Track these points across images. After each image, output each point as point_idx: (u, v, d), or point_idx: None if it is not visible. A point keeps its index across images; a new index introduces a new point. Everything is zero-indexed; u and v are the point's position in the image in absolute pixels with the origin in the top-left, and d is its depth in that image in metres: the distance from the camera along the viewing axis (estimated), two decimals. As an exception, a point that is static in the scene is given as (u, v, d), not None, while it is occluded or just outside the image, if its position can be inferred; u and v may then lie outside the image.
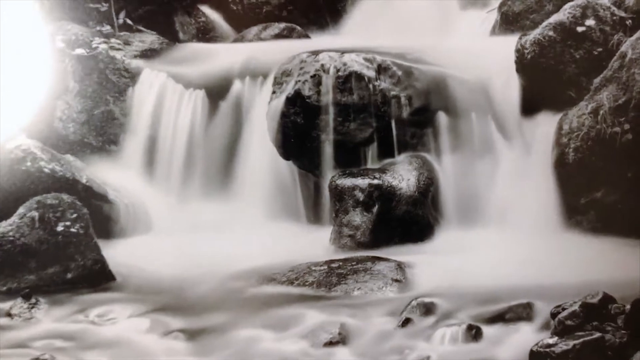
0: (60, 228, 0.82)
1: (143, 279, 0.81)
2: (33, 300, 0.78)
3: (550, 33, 0.80)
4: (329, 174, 0.87)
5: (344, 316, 0.71)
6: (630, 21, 0.79)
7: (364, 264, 0.79)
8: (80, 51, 0.96)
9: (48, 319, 0.74)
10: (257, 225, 0.88)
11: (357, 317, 0.71)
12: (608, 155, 0.75)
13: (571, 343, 0.61)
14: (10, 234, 0.82)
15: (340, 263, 0.80)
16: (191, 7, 1.04)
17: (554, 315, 0.65)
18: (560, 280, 0.72)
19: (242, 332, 0.69)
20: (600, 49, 0.78)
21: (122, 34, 1.01)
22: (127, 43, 0.99)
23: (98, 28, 0.99)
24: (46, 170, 0.90)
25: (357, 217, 0.84)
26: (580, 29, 0.80)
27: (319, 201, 0.88)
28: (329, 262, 0.80)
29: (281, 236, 0.87)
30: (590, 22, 0.80)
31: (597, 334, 0.61)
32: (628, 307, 0.62)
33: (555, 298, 0.66)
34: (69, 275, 0.82)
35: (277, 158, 0.88)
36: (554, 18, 0.83)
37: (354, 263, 0.80)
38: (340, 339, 0.68)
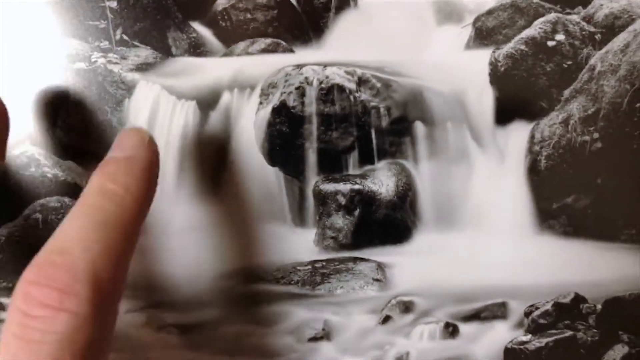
0: None
1: (138, 277, 0.78)
2: None
3: (522, 47, 0.76)
4: (312, 179, 0.83)
5: (327, 313, 0.67)
6: (599, 35, 0.74)
7: (346, 264, 0.75)
8: (80, 65, 0.92)
9: None
10: (245, 227, 0.86)
11: (340, 314, 0.66)
12: (578, 162, 0.71)
13: (544, 341, 0.57)
14: (16, 234, 0.77)
15: (324, 263, 0.76)
16: (183, 23, 1.00)
17: (527, 314, 0.60)
18: (534, 280, 0.68)
19: (232, 327, 0.66)
20: (570, 62, 0.73)
21: (119, 49, 0.97)
22: (123, 57, 0.95)
23: (97, 44, 0.95)
24: (49, 175, 0.86)
25: (340, 220, 0.80)
26: (550, 43, 0.76)
27: (304, 205, 0.85)
28: (313, 262, 0.76)
29: (268, 237, 0.85)
30: (561, 36, 0.75)
31: (569, 332, 0.57)
32: (599, 307, 0.58)
33: (529, 298, 0.62)
34: None
35: (263, 164, 0.84)
36: (526, 33, 0.79)
37: (336, 263, 0.76)
38: (324, 335, 0.64)
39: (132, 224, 0.28)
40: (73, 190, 0.77)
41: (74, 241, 0.26)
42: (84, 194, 0.29)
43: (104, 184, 0.28)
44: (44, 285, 0.25)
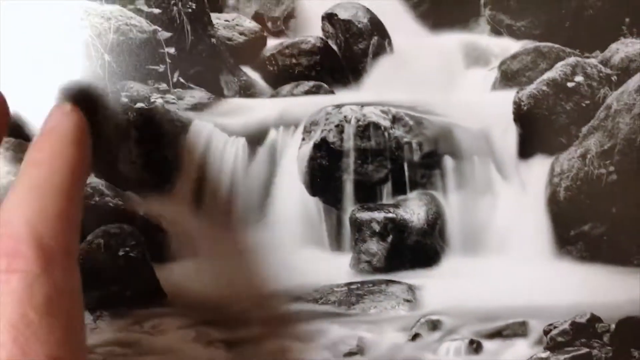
0: (121, 253, 0.79)
1: (190, 296, 0.79)
2: (97, 313, 0.76)
3: (544, 88, 0.77)
4: (349, 208, 0.84)
5: (361, 331, 0.67)
6: (615, 77, 0.75)
7: (379, 286, 0.76)
8: (140, 105, 0.95)
9: (109, 329, 0.72)
10: (287, 252, 0.87)
11: (373, 331, 0.67)
12: (595, 193, 0.71)
13: (562, 357, 0.56)
14: (80, 258, 0.79)
15: (359, 285, 0.77)
16: (235, 67, 1.02)
17: (546, 332, 0.61)
18: (552, 302, 0.68)
19: (274, 343, 0.67)
20: (588, 102, 0.74)
21: (176, 90, 0.99)
22: (180, 98, 0.97)
23: (156, 85, 0.97)
24: (111, 204, 0.88)
25: (374, 246, 0.81)
26: (570, 84, 0.77)
27: (341, 231, 0.86)
28: (348, 284, 0.77)
29: (307, 261, 0.86)
30: (579, 78, 0.76)
31: (585, 350, 0.57)
32: (613, 326, 0.58)
33: (548, 317, 0.62)
34: (128, 293, 0.79)
35: (305, 194, 0.86)
36: (547, 75, 0.80)
37: (370, 285, 0.76)
38: (358, 350, 0.64)
39: (66, 184, 0.30)
40: (132, 218, 0.79)
41: (12, 211, 0.27)
42: (19, 170, 0.31)
43: (32, 155, 0.29)
44: None
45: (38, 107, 0.81)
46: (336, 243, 0.88)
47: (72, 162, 0.31)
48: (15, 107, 0.75)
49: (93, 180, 0.87)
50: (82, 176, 0.32)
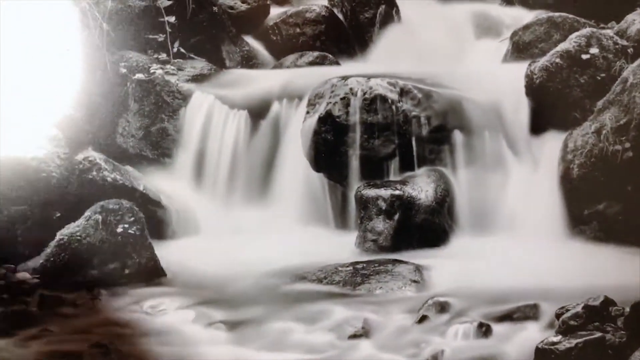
0: (120, 230, 0.77)
1: (190, 275, 0.77)
2: (95, 292, 0.73)
3: (558, 60, 0.74)
4: (355, 185, 0.82)
5: (367, 312, 0.66)
6: (631, 49, 0.73)
7: (386, 265, 0.74)
8: (139, 76, 0.92)
9: (108, 309, 0.69)
10: (291, 230, 0.85)
11: (379, 313, 0.66)
12: (610, 170, 0.69)
13: (574, 341, 0.55)
14: (78, 234, 0.77)
15: (364, 264, 0.75)
16: (236, 37, 0.99)
17: (558, 315, 0.59)
18: (565, 283, 0.66)
19: (276, 324, 0.65)
20: (603, 75, 0.72)
21: (176, 61, 0.97)
22: (180, 69, 0.95)
23: (155, 56, 0.95)
24: (109, 179, 0.86)
25: (380, 224, 0.79)
26: (585, 56, 0.74)
27: (346, 209, 0.84)
28: (354, 264, 0.75)
29: (312, 240, 0.84)
30: (594, 50, 0.74)
31: (598, 334, 0.56)
32: (627, 309, 0.57)
33: (560, 300, 0.61)
34: (126, 271, 0.77)
35: (309, 170, 0.84)
36: (561, 47, 0.78)
37: (376, 265, 0.74)
38: (364, 333, 0.63)
39: None
40: (130, 194, 0.76)
41: None
42: None
43: None
44: None
45: (34, 85, 0.75)
46: (341, 221, 0.85)
47: None
48: (11, 86, 0.70)
49: (91, 153, 0.84)
50: None
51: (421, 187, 0.82)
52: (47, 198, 0.80)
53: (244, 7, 1.07)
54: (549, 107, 0.78)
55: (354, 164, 0.83)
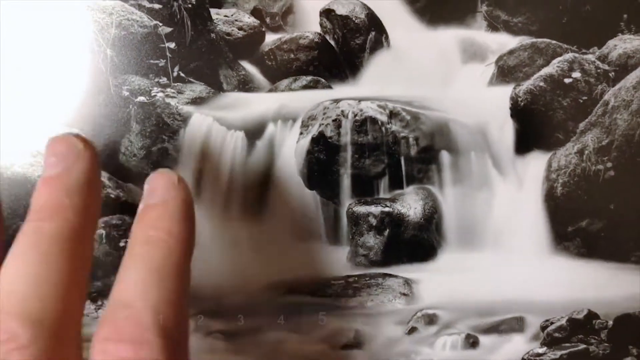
0: (122, 244, 0.77)
1: (191, 287, 0.77)
2: (99, 303, 0.73)
3: (541, 84, 0.74)
4: (346, 202, 0.82)
5: (358, 323, 0.65)
6: (613, 73, 0.72)
7: (376, 279, 0.74)
8: (141, 99, 0.92)
9: None
10: (285, 244, 0.85)
11: (370, 324, 0.65)
12: (592, 189, 0.69)
13: (559, 353, 0.54)
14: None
15: (356, 278, 0.74)
16: (233, 62, 0.99)
17: (543, 328, 0.58)
18: (550, 297, 0.66)
19: (271, 334, 0.64)
20: (585, 98, 0.72)
21: (176, 84, 0.97)
22: (180, 92, 0.95)
23: (157, 80, 0.95)
24: (112, 196, 0.85)
25: (371, 239, 0.78)
26: (567, 80, 0.74)
27: (338, 225, 0.83)
28: (346, 277, 0.74)
29: (305, 254, 0.84)
30: (577, 74, 0.74)
31: (582, 346, 0.55)
32: (610, 322, 0.56)
33: (545, 313, 0.60)
34: None
35: (302, 188, 0.83)
36: (544, 71, 0.78)
37: (367, 278, 0.74)
38: (355, 343, 0.62)
39: (182, 264, 0.28)
40: (133, 210, 0.76)
41: (133, 294, 0.26)
42: (130, 245, 0.29)
43: (147, 232, 0.28)
44: (118, 341, 0.25)
45: (40, 105, 0.77)
46: (333, 237, 0.85)
47: (185, 240, 0.30)
48: (17, 105, 0.71)
49: (94, 172, 0.84)
50: (191, 255, 0.31)
51: (410, 204, 0.82)
52: (51, 215, 0.84)
53: (240, 33, 1.07)
54: (533, 129, 0.78)
55: (346, 182, 0.83)
